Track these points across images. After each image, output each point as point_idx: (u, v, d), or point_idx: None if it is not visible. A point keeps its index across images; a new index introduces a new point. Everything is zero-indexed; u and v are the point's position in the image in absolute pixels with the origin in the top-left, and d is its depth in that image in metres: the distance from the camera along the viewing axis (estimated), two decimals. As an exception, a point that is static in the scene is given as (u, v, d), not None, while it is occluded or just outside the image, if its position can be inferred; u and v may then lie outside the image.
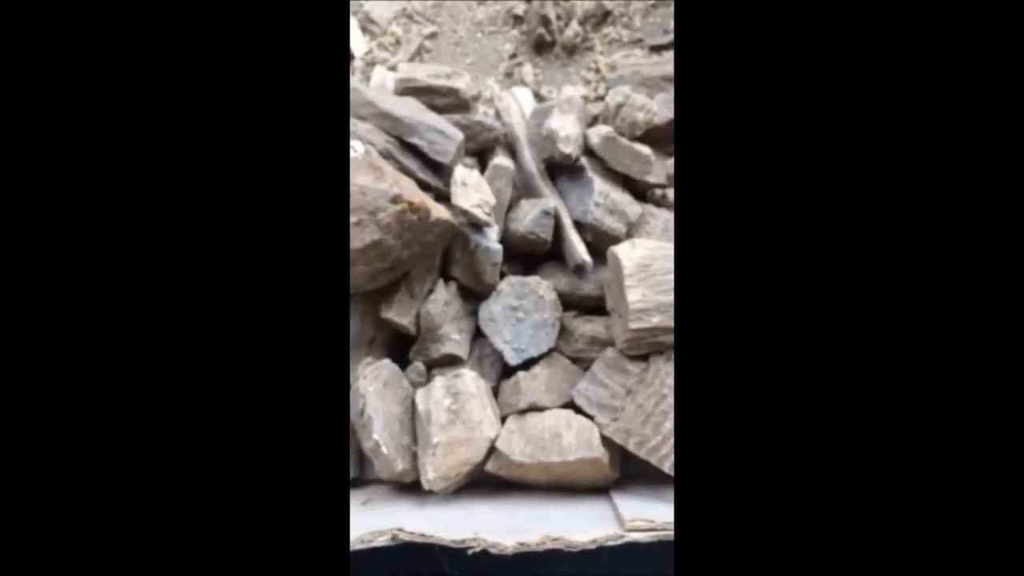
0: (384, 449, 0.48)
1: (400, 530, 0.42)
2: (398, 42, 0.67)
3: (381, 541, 0.42)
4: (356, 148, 0.48)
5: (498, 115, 0.63)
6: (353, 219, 0.46)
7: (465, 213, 0.52)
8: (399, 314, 0.53)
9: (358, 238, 0.46)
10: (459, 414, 0.50)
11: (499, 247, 0.54)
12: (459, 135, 0.55)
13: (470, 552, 0.41)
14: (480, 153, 0.61)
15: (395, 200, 0.47)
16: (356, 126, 0.50)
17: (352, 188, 0.47)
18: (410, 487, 0.54)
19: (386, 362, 0.53)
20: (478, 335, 0.57)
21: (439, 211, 0.50)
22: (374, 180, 0.47)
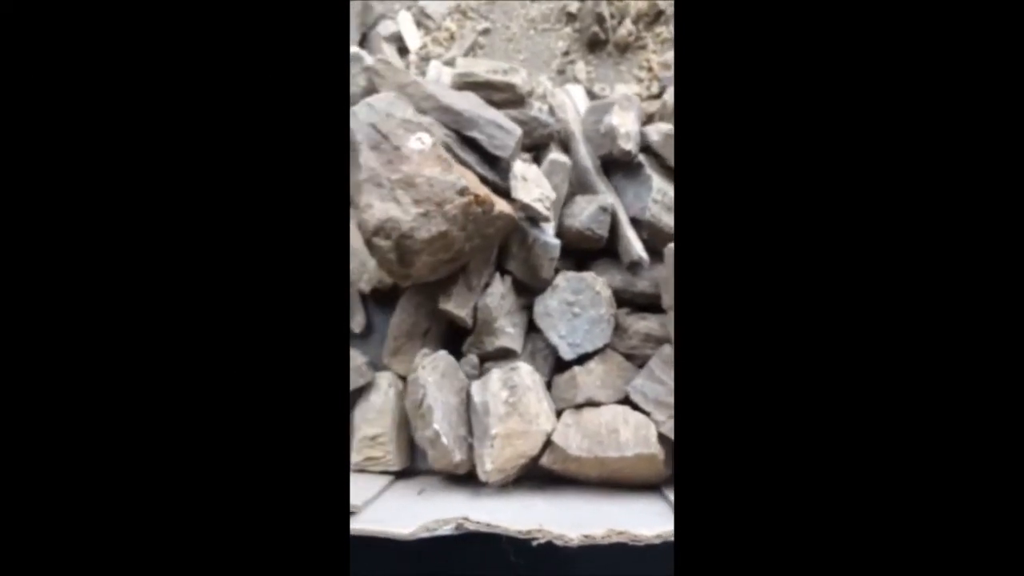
0: (444, 439, 0.49)
1: (465, 519, 0.42)
2: (452, 37, 0.68)
3: (446, 530, 0.42)
4: (424, 140, 0.48)
5: (552, 111, 0.63)
6: (420, 210, 0.47)
7: (525, 207, 0.53)
8: (457, 306, 0.53)
9: (425, 229, 0.47)
10: (516, 407, 0.50)
11: (557, 242, 0.54)
12: (518, 130, 0.56)
13: (535, 543, 0.41)
14: (534, 148, 0.61)
15: (462, 192, 0.47)
16: (419, 119, 0.51)
17: (419, 179, 0.47)
18: (462, 478, 0.54)
19: (443, 353, 0.53)
20: (530, 329, 0.58)
21: (501, 205, 0.50)
22: (441, 172, 0.47)
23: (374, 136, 0.48)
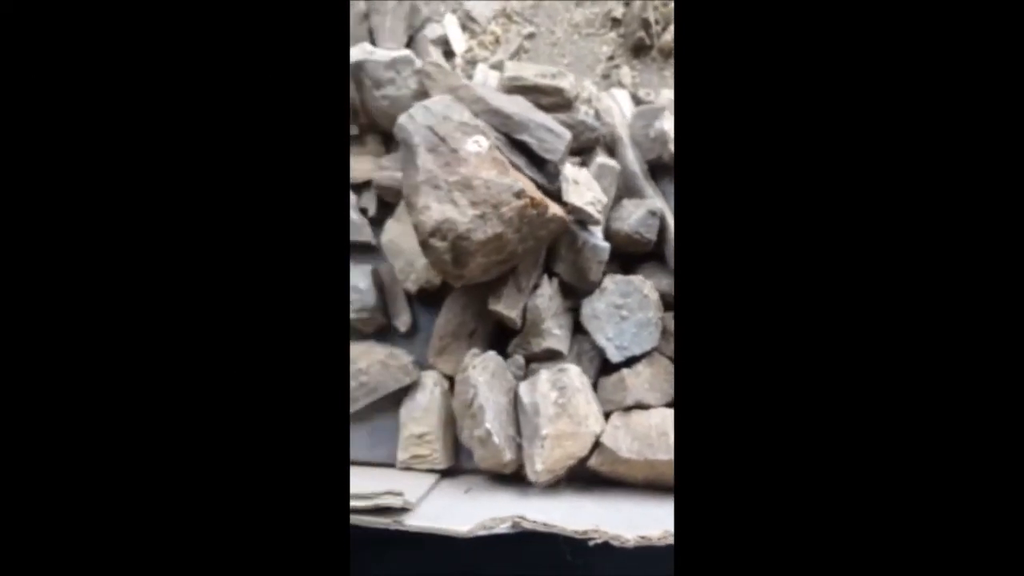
0: (495, 439, 0.49)
1: (522, 518, 0.43)
2: (497, 41, 0.68)
3: (502, 528, 0.43)
4: (481, 143, 0.49)
5: (598, 115, 0.63)
6: (477, 212, 0.47)
7: (576, 210, 0.53)
8: (508, 307, 0.53)
9: (481, 231, 0.47)
10: (566, 408, 0.50)
11: (607, 245, 0.54)
12: (567, 134, 0.56)
13: (591, 543, 0.41)
14: (580, 152, 0.62)
15: (519, 195, 0.47)
16: (475, 122, 0.51)
17: (476, 182, 0.48)
18: (507, 478, 0.54)
19: (492, 354, 0.54)
20: (576, 331, 0.58)
21: (554, 208, 0.51)
22: (498, 175, 0.48)
23: (431, 138, 0.49)
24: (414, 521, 0.42)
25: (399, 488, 0.43)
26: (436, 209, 0.47)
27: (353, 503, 0.42)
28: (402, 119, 0.50)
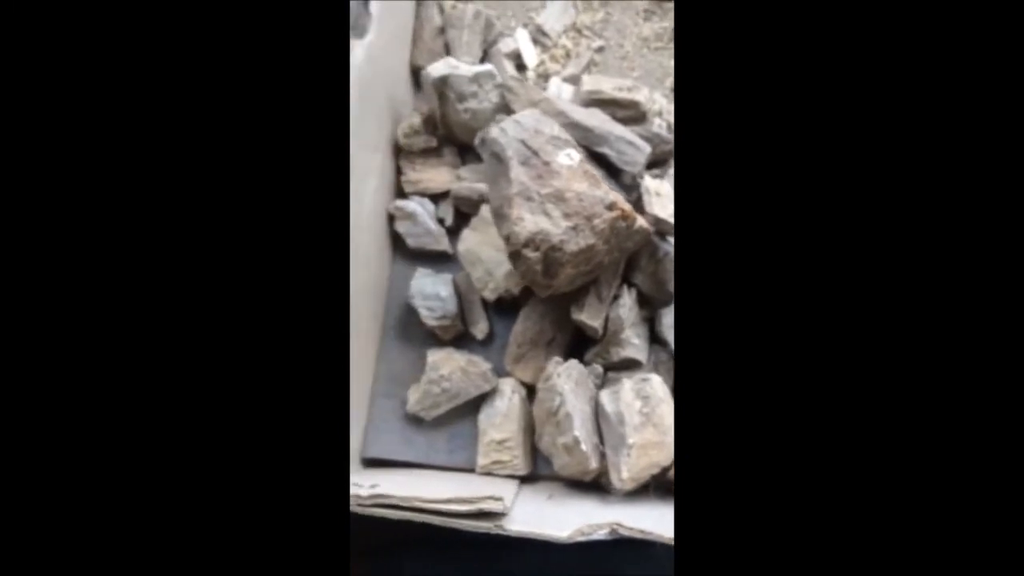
0: (583, 446, 0.50)
1: (620, 525, 0.43)
2: (568, 55, 0.70)
3: (600, 534, 0.44)
4: (572, 156, 0.50)
5: (670, 128, 0.64)
6: (570, 223, 0.48)
7: (658, 222, 0.54)
8: (590, 316, 0.54)
9: (573, 242, 0.48)
10: (650, 417, 0.51)
11: (687, 257, 0.55)
12: (647, 147, 0.57)
13: (689, 551, 0.42)
14: (654, 165, 0.63)
15: (610, 207, 0.49)
16: (565, 136, 0.53)
17: (569, 194, 0.49)
18: (585, 485, 0.55)
19: (574, 362, 0.55)
20: (652, 341, 0.59)
21: (640, 219, 0.52)
22: (589, 187, 0.49)
23: (524, 152, 0.50)
24: (516, 526, 0.43)
25: (499, 493, 0.44)
26: (530, 220, 0.48)
27: (454, 507, 0.44)
28: (494, 132, 0.51)
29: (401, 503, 0.44)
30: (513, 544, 0.42)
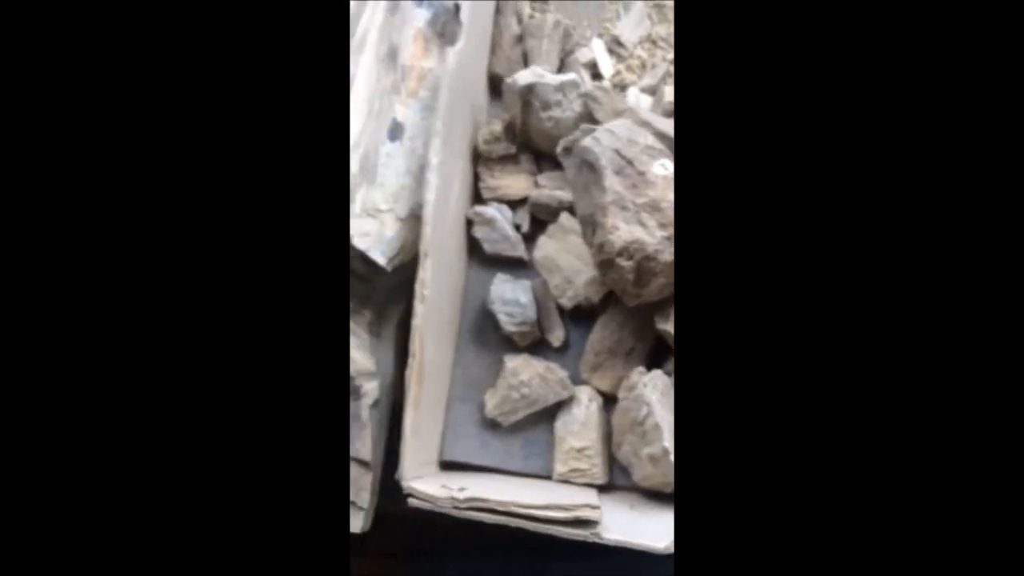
0: (672, 457, 0.50)
1: (717, 537, 0.43)
2: (643, 65, 0.70)
3: (697, 546, 0.43)
4: (667, 166, 0.50)
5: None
6: (665, 233, 0.48)
7: (745, 234, 0.54)
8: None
9: (667, 252, 0.48)
10: (737, 430, 0.51)
11: (774, 270, 0.55)
12: (732, 158, 0.57)
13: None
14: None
15: (706, 218, 0.48)
16: (659, 146, 0.53)
17: (664, 204, 0.49)
18: (663, 496, 0.55)
19: (658, 372, 0.55)
20: (731, 354, 0.58)
21: (730, 231, 0.52)
22: (685, 198, 0.49)
23: (618, 161, 0.50)
24: (614, 535, 0.43)
25: (595, 502, 0.44)
26: (625, 230, 0.48)
27: (552, 513, 0.44)
28: (586, 141, 0.51)
29: (498, 507, 0.44)
30: (600, 551, 0.42)
